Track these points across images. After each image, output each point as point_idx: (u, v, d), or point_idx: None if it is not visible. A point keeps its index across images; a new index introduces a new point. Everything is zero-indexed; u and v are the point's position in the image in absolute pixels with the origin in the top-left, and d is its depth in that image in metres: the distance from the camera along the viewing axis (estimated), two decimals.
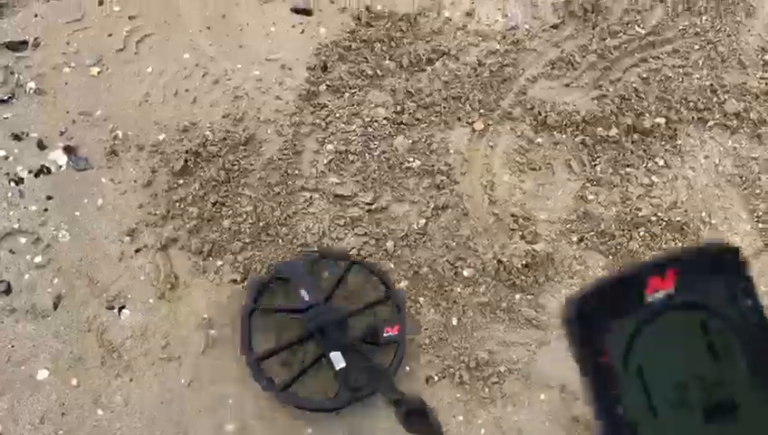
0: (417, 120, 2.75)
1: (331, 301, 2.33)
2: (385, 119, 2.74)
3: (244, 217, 2.52)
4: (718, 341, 0.53)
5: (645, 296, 0.53)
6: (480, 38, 2.93)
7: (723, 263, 0.54)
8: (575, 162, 2.72)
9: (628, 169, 2.72)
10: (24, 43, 2.75)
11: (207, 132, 2.64)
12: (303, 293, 2.29)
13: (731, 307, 0.54)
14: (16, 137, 2.59)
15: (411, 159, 2.68)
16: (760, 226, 2.65)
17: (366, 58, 2.83)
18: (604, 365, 0.51)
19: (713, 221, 2.67)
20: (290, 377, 2.24)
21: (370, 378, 2.14)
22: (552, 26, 2.99)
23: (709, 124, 2.81)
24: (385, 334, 2.27)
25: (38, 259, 2.41)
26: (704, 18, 3.02)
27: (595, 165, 2.71)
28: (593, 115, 2.78)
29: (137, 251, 2.45)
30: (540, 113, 2.77)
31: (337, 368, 2.20)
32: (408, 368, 2.36)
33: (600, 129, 2.76)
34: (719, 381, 0.52)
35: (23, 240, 2.44)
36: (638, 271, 0.54)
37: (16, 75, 2.69)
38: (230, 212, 2.52)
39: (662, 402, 0.52)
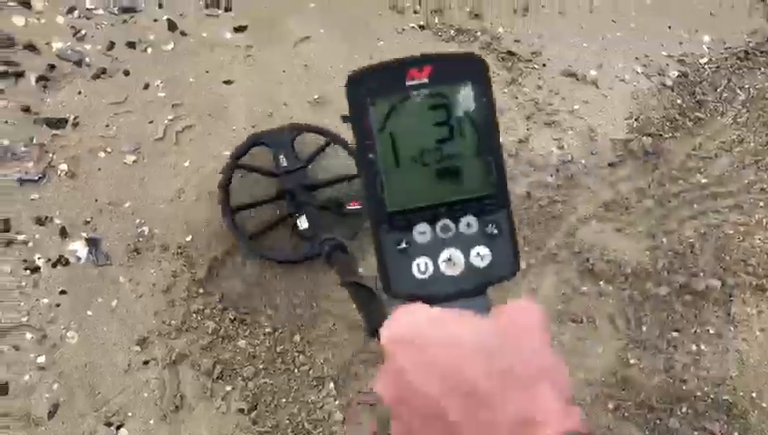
0: None
1: (306, 169, 2.53)
2: None
3: (262, 338, 2.37)
4: (456, 123, 0.69)
5: (405, 82, 0.69)
6: (532, 168, 2.79)
7: (471, 67, 0.70)
8: (620, 318, 2.53)
9: (675, 334, 2.52)
10: (64, 120, 2.67)
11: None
12: (282, 158, 2.51)
13: (472, 100, 0.69)
14: (40, 221, 2.48)
15: None
16: None
17: None
18: (366, 127, 0.69)
19: (763, 404, 2.46)
20: (259, 229, 2.50)
21: (316, 226, 2.42)
22: (609, 164, 2.84)
23: None
24: (349, 206, 2.49)
25: (41, 359, 2.28)
26: None
27: (641, 324, 2.53)
28: (644, 268, 2.61)
29: (145, 363, 2.30)
30: (588, 259, 2.61)
31: (301, 228, 2.44)
32: None
33: (649, 284, 2.59)
34: (452, 154, 0.70)
35: (29, 336, 2.31)
36: (400, 61, 0.69)
37: (50, 155, 2.60)
38: (248, 332, 2.38)
39: (405, 158, 0.70)
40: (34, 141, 2.61)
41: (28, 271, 2.40)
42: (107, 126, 2.69)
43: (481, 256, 0.71)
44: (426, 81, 0.69)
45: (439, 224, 0.71)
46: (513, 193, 2.72)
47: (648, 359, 2.47)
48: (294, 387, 2.31)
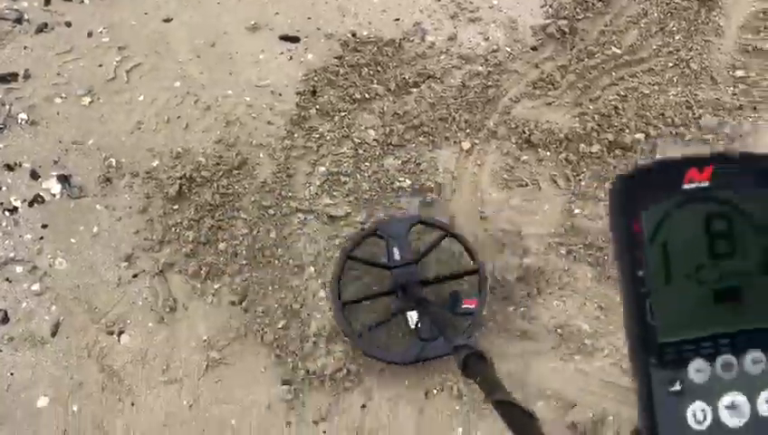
0: (406, 140, 2.81)
1: (420, 263, 2.44)
2: (374, 140, 2.81)
3: (240, 239, 2.55)
4: (740, 235, 0.58)
5: (682, 184, 0.58)
6: (463, 61, 3.03)
7: (759, 167, 0.58)
8: (560, 178, 2.80)
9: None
10: (14, 75, 2.78)
11: (200, 158, 2.68)
12: (396, 250, 2.41)
13: (759, 207, 0.58)
14: (9, 167, 2.60)
15: (402, 179, 2.74)
16: None
17: (354, 82, 2.90)
18: (634, 233, 0.58)
19: None
20: (368, 326, 2.36)
21: (440, 328, 2.14)
22: (531, 48, 3.10)
23: (687, 139, 2.92)
24: (463, 305, 2.39)
25: (35, 287, 2.41)
26: (676, 38, 3.15)
27: (580, 180, 2.80)
28: (575, 132, 2.87)
29: (134, 276, 2.46)
30: (524, 132, 2.86)
31: (412, 326, 2.33)
32: (406, 382, 2.39)
33: (582, 145, 2.85)
34: (733, 271, 0.58)
35: (19, 269, 2.44)
36: (679, 161, 0.59)
37: (7, 107, 2.71)
38: (226, 235, 2.55)
39: (678, 273, 0.58)
40: None
41: (7, 212, 2.53)
42: (58, 74, 2.81)
43: None
44: (706, 183, 0.58)
45: (720, 360, 0.59)
46: (449, 85, 2.96)
47: (590, 207, 2.74)
48: (278, 275, 2.50)
